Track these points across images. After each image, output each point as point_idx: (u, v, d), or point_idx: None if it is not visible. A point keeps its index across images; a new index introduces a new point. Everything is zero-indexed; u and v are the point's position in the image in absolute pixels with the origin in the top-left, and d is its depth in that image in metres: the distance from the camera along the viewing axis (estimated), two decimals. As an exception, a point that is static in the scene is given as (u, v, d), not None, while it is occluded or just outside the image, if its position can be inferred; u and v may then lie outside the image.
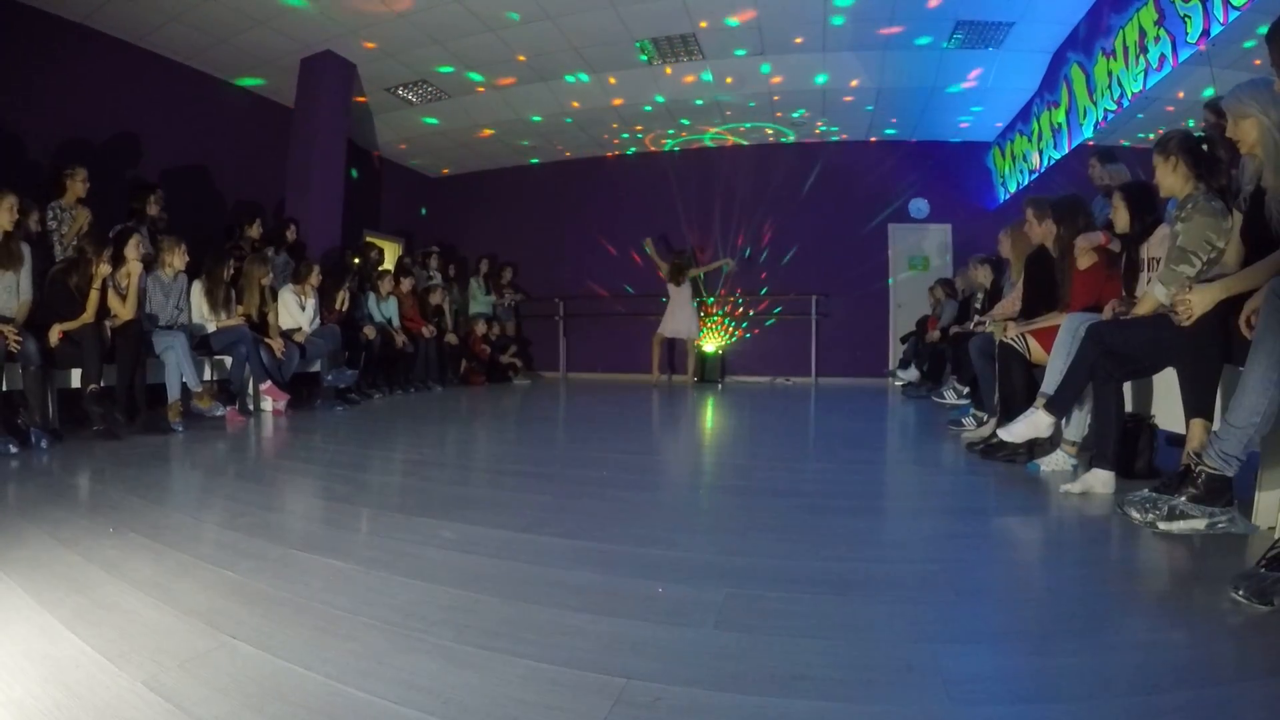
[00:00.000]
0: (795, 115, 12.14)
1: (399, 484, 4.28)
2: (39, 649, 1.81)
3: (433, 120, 12.36)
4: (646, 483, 4.27)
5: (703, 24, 9.21)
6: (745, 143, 13.59)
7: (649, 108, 11.88)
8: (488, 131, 12.84)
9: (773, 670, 1.73)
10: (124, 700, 1.56)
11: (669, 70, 10.45)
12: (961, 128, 12.35)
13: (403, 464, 4.93)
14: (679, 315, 12.12)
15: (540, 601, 2.16)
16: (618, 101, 11.63)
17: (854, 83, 10.70)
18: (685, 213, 13.86)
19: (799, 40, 9.51)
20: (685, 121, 12.58)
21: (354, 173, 11.73)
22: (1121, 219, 4.23)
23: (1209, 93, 7.30)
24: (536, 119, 12.33)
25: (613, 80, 10.85)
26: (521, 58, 10.00)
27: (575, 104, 11.72)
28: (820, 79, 10.62)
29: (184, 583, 2.30)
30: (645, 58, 9.98)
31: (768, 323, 13.54)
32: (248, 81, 10.30)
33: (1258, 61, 6.82)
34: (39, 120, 7.70)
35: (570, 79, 10.78)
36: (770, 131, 13.01)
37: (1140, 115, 9.06)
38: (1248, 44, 6.52)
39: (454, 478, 4.47)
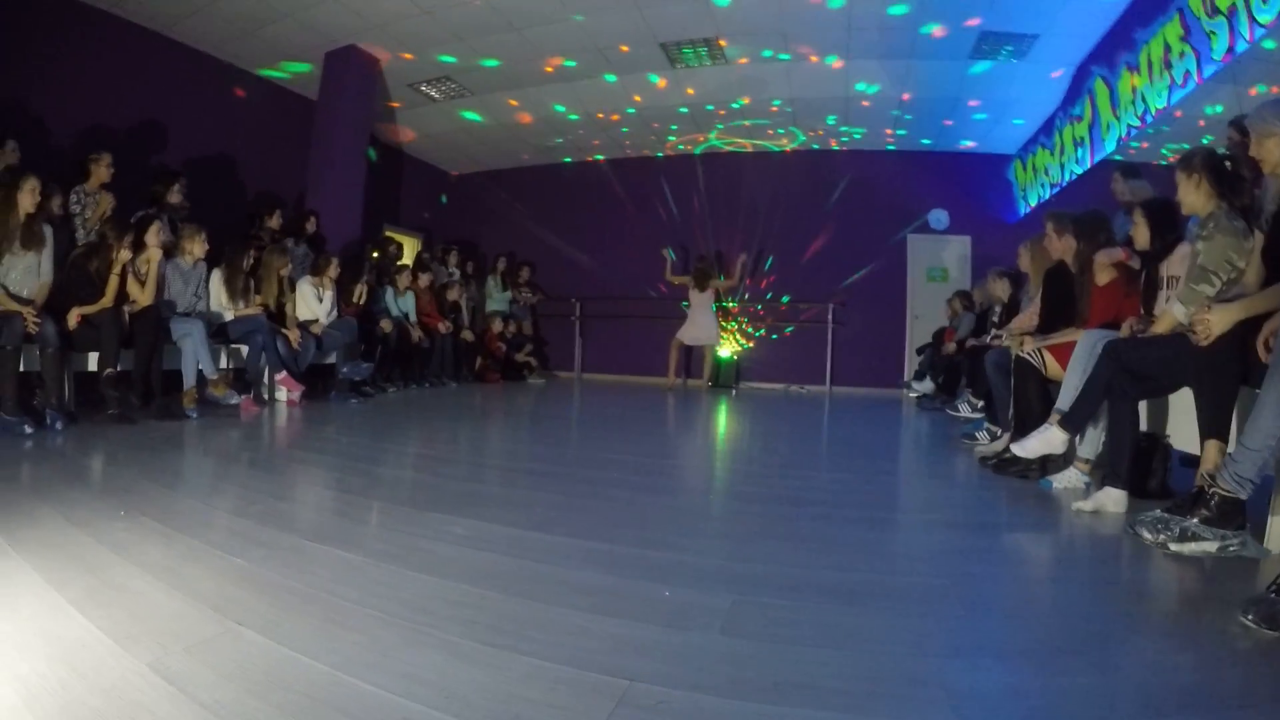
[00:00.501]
0: (822, 122, 12.13)
1: (411, 478, 4.28)
2: (47, 628, 1.82)
3: (470, 115, 12.37)
4: (657, 486, 4.27)
5: (722, 42, 9.33)
6: (767, 149, 13.58)
7: (671, 111, 11.89)
8: (519, 122, 12.78)
9: (777, 678, 1.72)
10: (129, 682, 1.57)
11: (690, 73, 10.44)
12: (983, 139, 12.31)
13: (415, 459, 4.94)
14: (700, 322, 12.06)
15: (547, 600, 2.17)
16: (639, 103, 11.63)
17: (876, 91, 10.69)
18: (705, 218, 13.86)
19: (822, 46, 9.49)
20: (706, 126, 12.58)
21: (372, 154, 11.69)
22: (1142, 236, 4.20)
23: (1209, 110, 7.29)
24: (559, 117, 12.34)
25: (634, 84, 10.86)
26: (545, 57, 10.01)
27: (596, 105, 11.73)
28: (842, 87, 10.60)
29: (193, 568, 2.32)
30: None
31: (787, 329, 13.52)
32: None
33: (1276, 89, 6.81)
34: (65, 106, 7.75)
35: (592, 80, 10.78)
36: (789, 138, 13.00)
37: (1166, 127, 9.02)
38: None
39: (466, 474, 4.48)
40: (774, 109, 11.65)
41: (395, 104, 11.50)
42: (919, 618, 2.16)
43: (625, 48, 9.65)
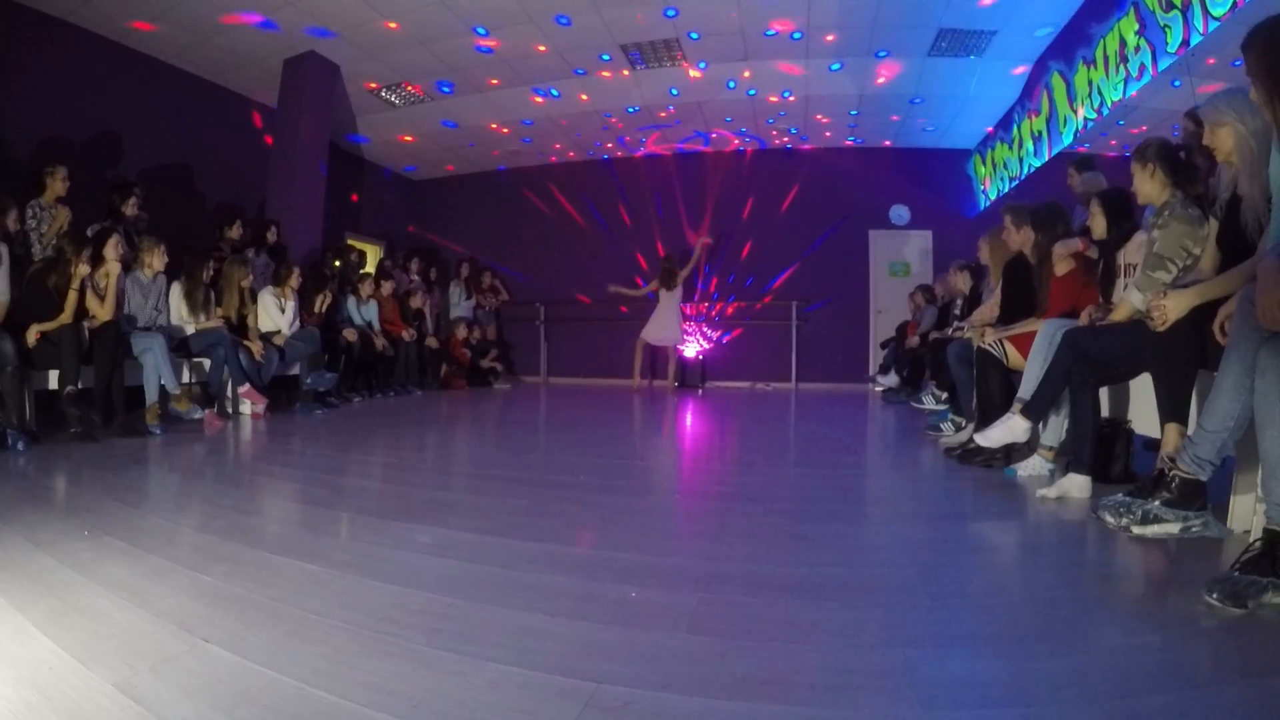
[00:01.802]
0: (777, 121, 12.19)
1: (376, 488, 4.25)
2: (11, 650, 1.80)
3: (432, 120, 12.36)
4: (623, 487, 4.25)
5: (682, 42, 9.41)
6: (727, 148, 13.65)
7: (633, 112, 11.91)
8: (480, 127, 12.76)
9: (745, 675, 1.72)
10: (95, 702, 1.56)
11: (651, 75, 10.47)
12: (942, 135, 12.41)
13: (380, 468, 4.91)
14: (664, 320, 12.07)
15: (513, 605, 2.16)
16: (601, 106, 11.66)
17: (835, 89, 10.75)
18: (666, 217, 13.90)
19: (781, 46, 9.54)
20: (668, 127, 12.61)
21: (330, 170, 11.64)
22: (1099, 225, 4.26)
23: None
24: (520, 121, 12.35)
25: (595, 87, 10.90)
26: (506, 61, 10.00)
27: (557, 108, 11.74)
28: (802, 86, 10.66)
29: (158, 586, 2.29)
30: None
31: (751, 323, 13.59)
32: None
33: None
34: (19, 117, 7.67)
35: (553, 83, 10.79)
36: (750, 137, 13.07)
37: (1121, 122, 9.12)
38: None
39: (431, 482, 4.45)
40: (735, 108, 11.69)
41: (355, 110, 11.47)
42: (886, 610, 2.17)
43: (585, 50, 9.66)
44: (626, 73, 10.43)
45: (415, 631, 1.95)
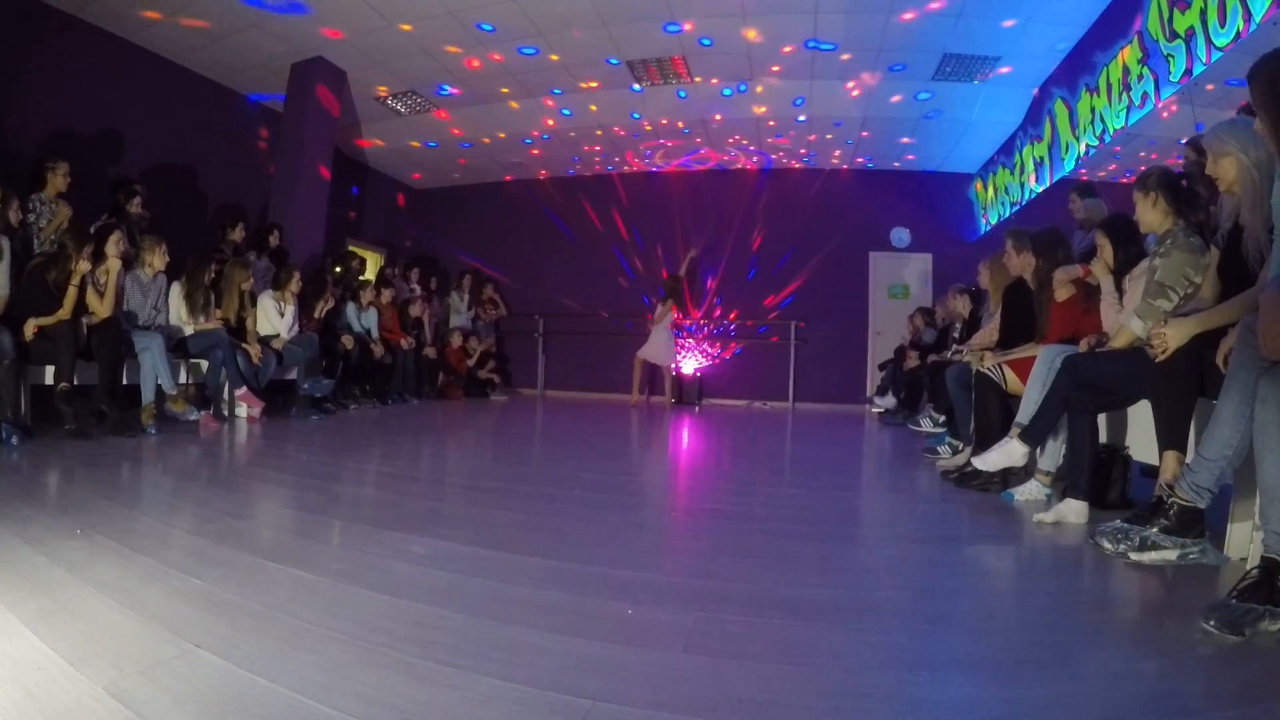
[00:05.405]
0: (785, 141, 12.22)
1: (371, 496, 4.24)
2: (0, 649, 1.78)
3: (421, 131, 12.37)
4: (619, 503, 4.23)
5: (686, 61, 9.45)
6: (731, 167, 13.68)
7: (636, 128, 11.94)
8: (476, 144, 12.81)
9: (740, 695, 1.71)
10: (84, 705, 1.54)
11: (656, 91, 10.50)
12: (945, 159, 12.45)
13: (376, 476, 4.89)
14: (656, 340, 12.06)
15: (507, 620, 2.15)
16: (603, 121, 11.69)
17: (839, 111, 10.78)
18: (667, 235, 13.89)
19: (784, 68, 9.57)
20: (670, 144, 12.64)
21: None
22: (1109, 256, 4.22)
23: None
24: (524, 133, 12.38)
25: (599, 100, 10.92)
26: (512, 73, 10.01)
27: (563, 121, 11.78)
28: (805, 107, 10.70)
29: (150, 588, 2.27)
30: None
31: (751, 342, 13.58)
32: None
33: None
34: (25, 110, 7.67)
35: (559, 96, 10.81)
36: (753, 156, 13.09)
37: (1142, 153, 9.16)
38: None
39: (426, 492, 4.43)
40: (738, 127, 11.72)
41: (361, 117, 11.50)
42: (882, 632, 2.16)
43: (590, 65, 9.69)
44: (629, 89, 10.45)
45: (409, 643, 1.93)
